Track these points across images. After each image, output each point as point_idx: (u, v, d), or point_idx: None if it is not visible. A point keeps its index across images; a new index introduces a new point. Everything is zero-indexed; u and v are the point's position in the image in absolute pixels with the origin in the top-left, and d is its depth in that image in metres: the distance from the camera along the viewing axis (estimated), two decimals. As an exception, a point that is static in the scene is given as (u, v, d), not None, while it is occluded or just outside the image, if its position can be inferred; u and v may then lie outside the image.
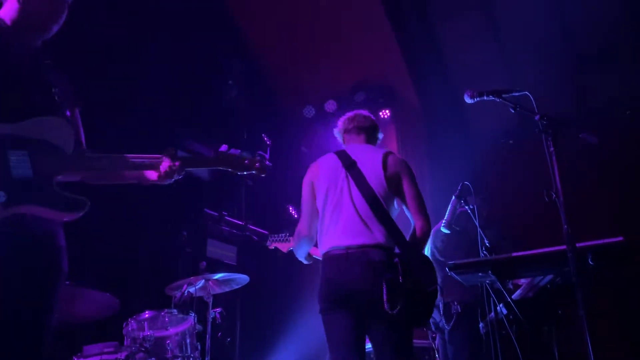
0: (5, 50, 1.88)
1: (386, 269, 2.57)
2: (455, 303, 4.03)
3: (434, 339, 4.39)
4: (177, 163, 2.04)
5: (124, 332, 3.87)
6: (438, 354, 4.31)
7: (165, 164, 2.04)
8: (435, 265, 4.20)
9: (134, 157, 2.03)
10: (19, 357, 1.69)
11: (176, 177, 2.07)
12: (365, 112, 3.21)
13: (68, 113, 2.00)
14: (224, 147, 2.20)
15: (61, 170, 1.83)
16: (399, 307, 2.47)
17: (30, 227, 1.73)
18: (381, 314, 2.52)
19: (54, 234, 1.82)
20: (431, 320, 4.27)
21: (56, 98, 1.95)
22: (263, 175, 2.47)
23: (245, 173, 2.25)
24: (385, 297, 2.49)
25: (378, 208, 2.71)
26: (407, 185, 2.83)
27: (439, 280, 4.12)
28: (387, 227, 2.68)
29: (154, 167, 2.05)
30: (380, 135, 3.21)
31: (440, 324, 4.11)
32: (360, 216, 2.72)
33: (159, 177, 2.05)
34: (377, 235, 2.67)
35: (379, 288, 2.52)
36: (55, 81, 2.00)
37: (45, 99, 1.91)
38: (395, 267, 2.57)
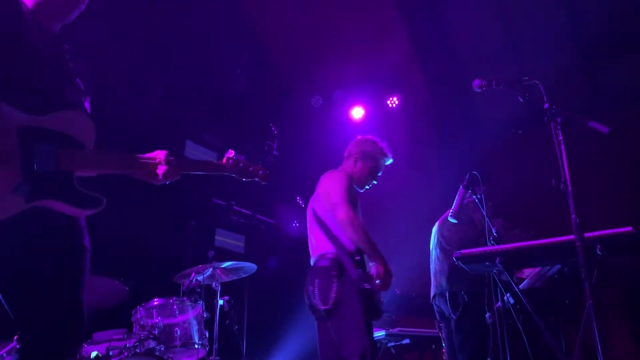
0: (31, 38, 1.85)
1: (316, 274, 3.16)
2: (462, 292, 4.02)
3: (440, 328, 4.39)
4: (165, 168, 2.01)
5: (132, 319, 3.91)
6: (444, 343, 4.32)
7: (162, 168, 2.02)
8: (442, 254, 4.22)
9: (136, 158, 2.02)
10: (59, 334, 1.72)
11: (173, 179, 2.07)
12: (356, 139, 3.64)
13: (87, 104, 1.99)
14: (230, 152, 2.22)
15: (83, 166, 1.82)
16: (330, 303, 3.02)
17: (51, 219, 1.74)
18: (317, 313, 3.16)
19: (73, 218, 1.83)
20: (437, 309, 4.27)
21: (77, 88, 1.94)
22: (264, 183, 2.52)
23: (248, 180, 2.29)
24: (318, 296, 3.10)
25: (316, 224, 3.24)
26: (321, 192, 3.32)
27: (446, 268, 4.13)
28: (320, 239, 3.21)
29: (152, 167, 2.03)
30: (358, 154, 3.52)
31: (447, 313, 4.11)
32: (311, 233, 3.36)
33: (155, 178, 2.04)
34: (314, 247, 3.29)
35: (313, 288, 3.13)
36: (75, 70, 1.98)
37: (70, 91, 1.90)
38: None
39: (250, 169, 2.26)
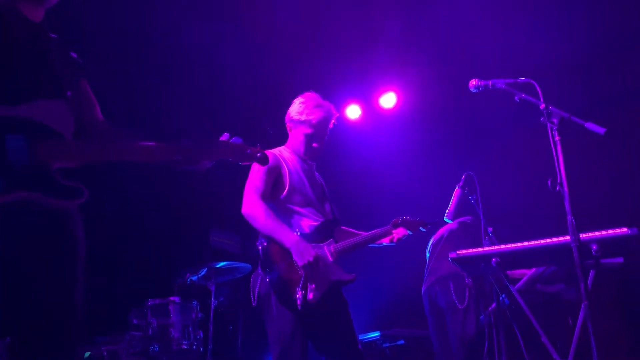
0: (5, 27, 1.79)
1: None
2: (466, 280, 4.00)
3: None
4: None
5: (127, 319, 3.90)
6: (434, 338, 4.27)
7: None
8: (449, 246, 4.19)
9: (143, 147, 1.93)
10: (53, 338, 1.65)
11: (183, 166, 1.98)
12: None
13: (69, 93, 1.90)
14: (225, 136, 2.11)
15: (60, 157, 1.76)
16: (255, 299, 2.87)
17: (32, 211, 1.67)
18: None
19: (62, 207, 1.76)
20: (429, 301, 4.24)
21: (57, 77, 1.88)
22: (264, 166, 2.43)
23: (247, 163, 2.21)
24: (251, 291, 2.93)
25: None
26: None
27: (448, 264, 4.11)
28: None
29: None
30: (289, 123, 3.14)
31: (444, 305, 4.07)
32: None
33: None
34: None
35: None
36: (58, 57, 1.92)
37: (46, 79, 1.84)
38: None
39: (248, 151, 2.12)
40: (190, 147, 1.98)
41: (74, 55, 2.03)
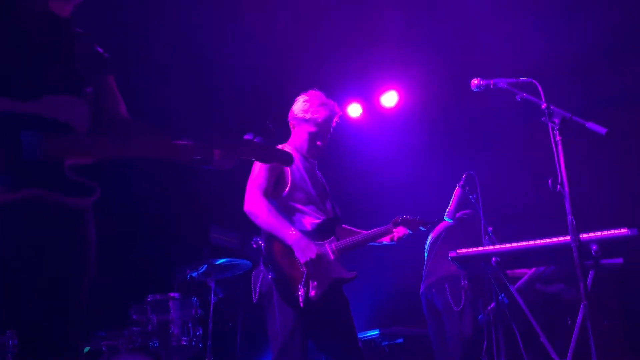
0: (23, 22, 1.78)
1: None
2: (464, 280, 4.00)
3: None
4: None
5: (127, 315, 3.91)
6: (433, 340, 4.28)
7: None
8: (447, 244, 4.20)
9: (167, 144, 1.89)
10: (58, 338, 1.64)
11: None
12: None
13: (89, 89, 1.86)
14: (249, 135, 2.02)
15: (71, 152, 1.72)
16: (256, 296, 2.90)
17: (42, 209, 1.65)
18: None
19: (73, 205, 1.73)
20: (427, 303, 4.25)
21: (76, 73, 1.85)
22: (288, 167, 2.35)
23: (271, 163, 2.15)
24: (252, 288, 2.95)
25: None
26: None
27: (445, 265, 4.12)
28: None
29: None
30: (293, 121, 3.14)
31: (441, 307, 4.08)
32: None
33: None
34: None
35: None
36: (81, 52, 1.89)
37: (63, 75, 1.81)
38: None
39: (273, 150, 2.04)
40: (217, 145, 1.91)
41: (100, 50, 2.00)
